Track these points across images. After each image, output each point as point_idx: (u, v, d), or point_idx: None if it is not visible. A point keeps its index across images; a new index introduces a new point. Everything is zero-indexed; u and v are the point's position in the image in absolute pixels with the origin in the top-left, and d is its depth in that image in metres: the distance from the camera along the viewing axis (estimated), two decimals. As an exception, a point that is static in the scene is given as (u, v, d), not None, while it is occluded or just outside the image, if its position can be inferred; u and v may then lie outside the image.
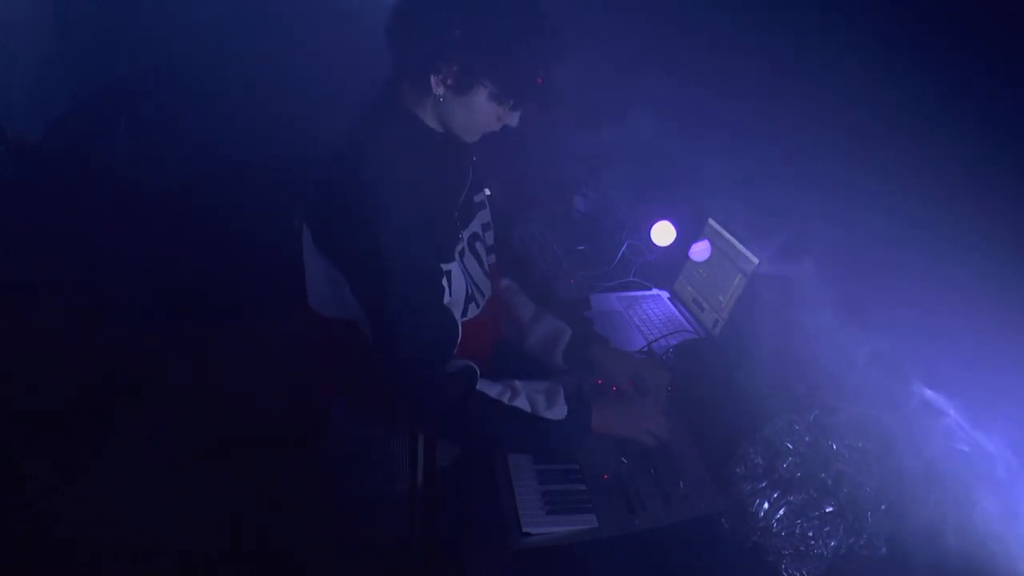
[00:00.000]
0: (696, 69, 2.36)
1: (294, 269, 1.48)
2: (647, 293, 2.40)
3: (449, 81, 1.32)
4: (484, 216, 1.57)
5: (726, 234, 2.19)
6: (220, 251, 3.56)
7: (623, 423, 1.49)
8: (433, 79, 1.32)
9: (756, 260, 2.03)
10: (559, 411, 1.42)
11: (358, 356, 1.39)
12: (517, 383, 1.43)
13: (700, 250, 2.24)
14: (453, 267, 1.38)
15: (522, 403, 1.40)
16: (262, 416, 2.94)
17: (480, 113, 1.37)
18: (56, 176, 3.58)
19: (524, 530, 1.38)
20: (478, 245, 1.51)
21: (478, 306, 1.48)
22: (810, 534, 1.36)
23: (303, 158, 1.60)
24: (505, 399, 1.39)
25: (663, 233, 2.41)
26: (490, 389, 1.39)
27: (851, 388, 1.61)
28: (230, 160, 3.79)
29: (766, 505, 1.39)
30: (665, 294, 2.39)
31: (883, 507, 1.39)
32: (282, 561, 2.42)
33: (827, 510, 1.38)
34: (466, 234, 1.46)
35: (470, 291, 1.45)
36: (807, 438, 1.46)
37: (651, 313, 2.26)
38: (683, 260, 2.34)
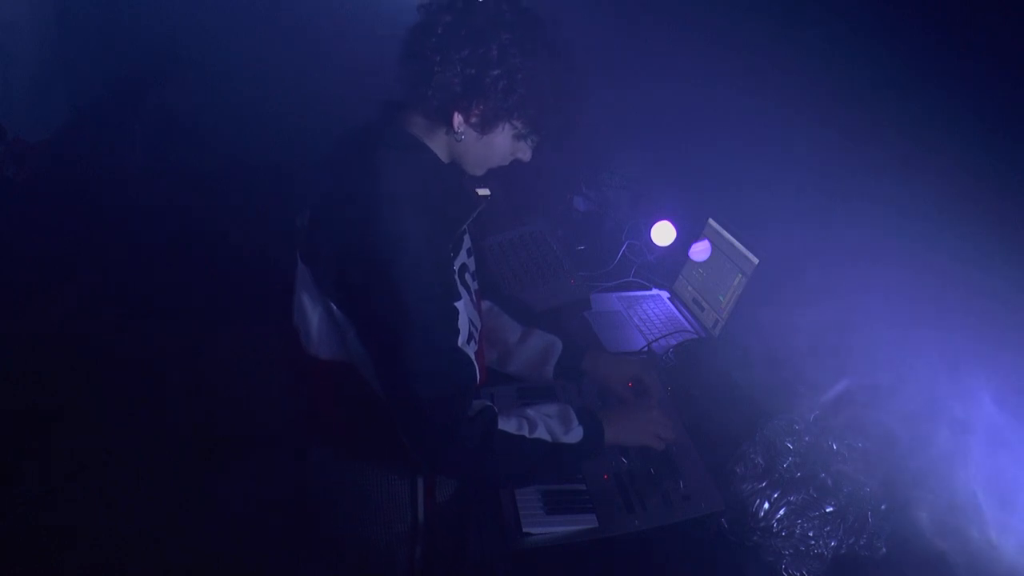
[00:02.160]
0: (698, 69, 2.36)
1: (292, 271, 1.47)
2: (647, 293, 2.40)
3: (473, 119, 1.28)
4: (467, 242, 1.49)
5: (726, 234, 2.19)
6: (221, 252, 3.56)
7: (632, 432, 1.47)
8: (457, 116, 1.27)
9: (756, 260, 2.03)
10: (576, 434, 1.37)
11: (354, 401, 1.35)
12: (530, 412, 1.39)
13: (700, 250, 2.24)
14: (460, 304, 1.32)
15: (542, 433, 1.35)
16: (263, 418, 2.93)
17: (498, 150, 1.34)
18: (57, 176, 3.58)
19: (524, 530, 1.38)
20: (467, 276, 1.44)
21: (476, 342, 1.42)
22: (810, 534, 1.36)
23: (303, 160, 1.59)
24: (526, 433, 1.34)
25: (663, 233, 2.41)
26: (508, 425, 1.33)
27: (851, 388, 1.61)
28: (229, 161, 3.79)
29: (766, 505, 1.39)
30: (665, 294, 2.39)
31: (883, 507, 1.39)
32: (281, 561, 2.42)
33: (827, 510, 1.38)
34: (456, 265, 1.38)
35: (470, 328, 1.39)
36: (807, 438, 1.46)
37: (651, 313, 2.26)
38: (683, 260, 2.34)
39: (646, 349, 2.04)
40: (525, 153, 1.37)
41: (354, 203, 1.25)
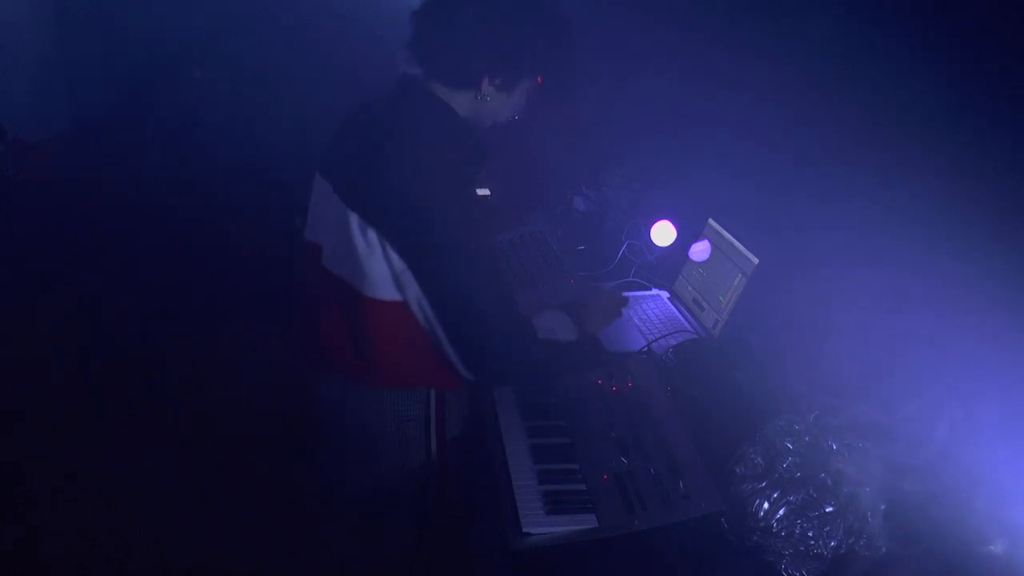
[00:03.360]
0: (698, 68, 2.36)
1: (292, 271, 1.47)
2: (647, 293, 2.40)
3: (498, 81, 1.49)
4: None
5: (726, 234, 2.19)
6: (221, 252, 3.55)
7: (604, 314, 1.81)
8: (486, 81, 1.48)
9: (756, 260, 2.03)
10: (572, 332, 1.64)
11: (407, 335, 1.48)
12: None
13: (700, 250, 2.24)
14: None
15: (561, 335, 1.61)
16: (263, 418, 2.94)
17: (513, 105, 1.56)
18: (58, 177, 3.57)
19: (524, 530, 1.38)
20: None
21: None
22: (810, 534, 1.36)
23: (303, 161, 1.60)
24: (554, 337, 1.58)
25: (663, 233, 2.41)
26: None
27: (851, 388, 1.61)
28: (230, 162, 3.78)
29: (766, 505, 1.39)
30: (665, 294, 2.39)
31: (883, 507, 1.39)
32: (282, 559, 2.42)
33: (827, 510, 1.38)
34: None
35: None
36: (807, 438, 1.46)
37: (651, 313, 2.26)
38: (683, 260, 2.34)
39: (646, 349, 2.04)
40: (528, 100, 1.59)
41: (403, 159, 1.41)
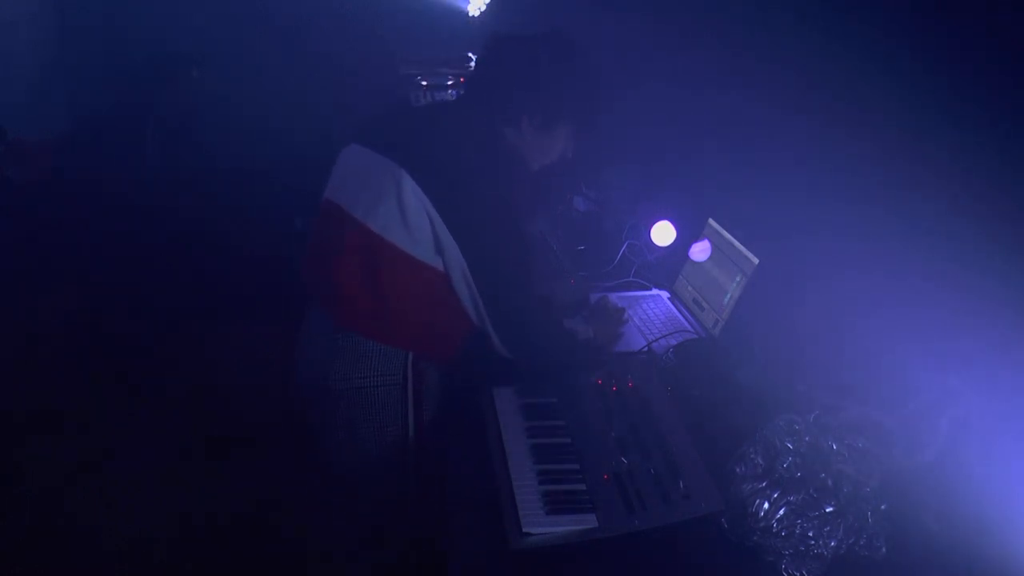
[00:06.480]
0: (698, 70, 2.36)
1: (292, 271, 1.48)
2: (647, 293, 2.40)
3: (537, 120, 1.64)
4: None
5: (726, 234, 2.19)
6: (221, 252, 3.56)
7: (608, 332, 2.04)
8: (526, 119, 1.63)
9: (756, 260, 2.03)
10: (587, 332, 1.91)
11: (430, 297, 1.59)
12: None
13: (700, 250, 2.24)
14: None
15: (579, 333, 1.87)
16: (263, 418, 2.94)
17: (554, 146, 1.70)
18: (58, 177, 3.57)
19: (524, 530, 1.38)
20: None
21: None
22: (810, 534, 1.36)
23: (302, 161, 1.62)
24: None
25: (663, 233, 2.41)
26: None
27: (851, 388, 1.61)
28: (230, 162, 3.79)
29: (766, 505, 1.39)
30: (665, 294, 2.39)
31: (883, 507, 1.39)
32: (281, 560, 2.42)
33: (827, 510, 1.38)
34: None
35: None
36: (807, 438, 1.46)
37: (651, 313, 2.26)
38: (683, 260, 2.34)
39: (646, 349, 2.04)
40: (570, 148, 1.73)
41: (481, 171, 1.55)
